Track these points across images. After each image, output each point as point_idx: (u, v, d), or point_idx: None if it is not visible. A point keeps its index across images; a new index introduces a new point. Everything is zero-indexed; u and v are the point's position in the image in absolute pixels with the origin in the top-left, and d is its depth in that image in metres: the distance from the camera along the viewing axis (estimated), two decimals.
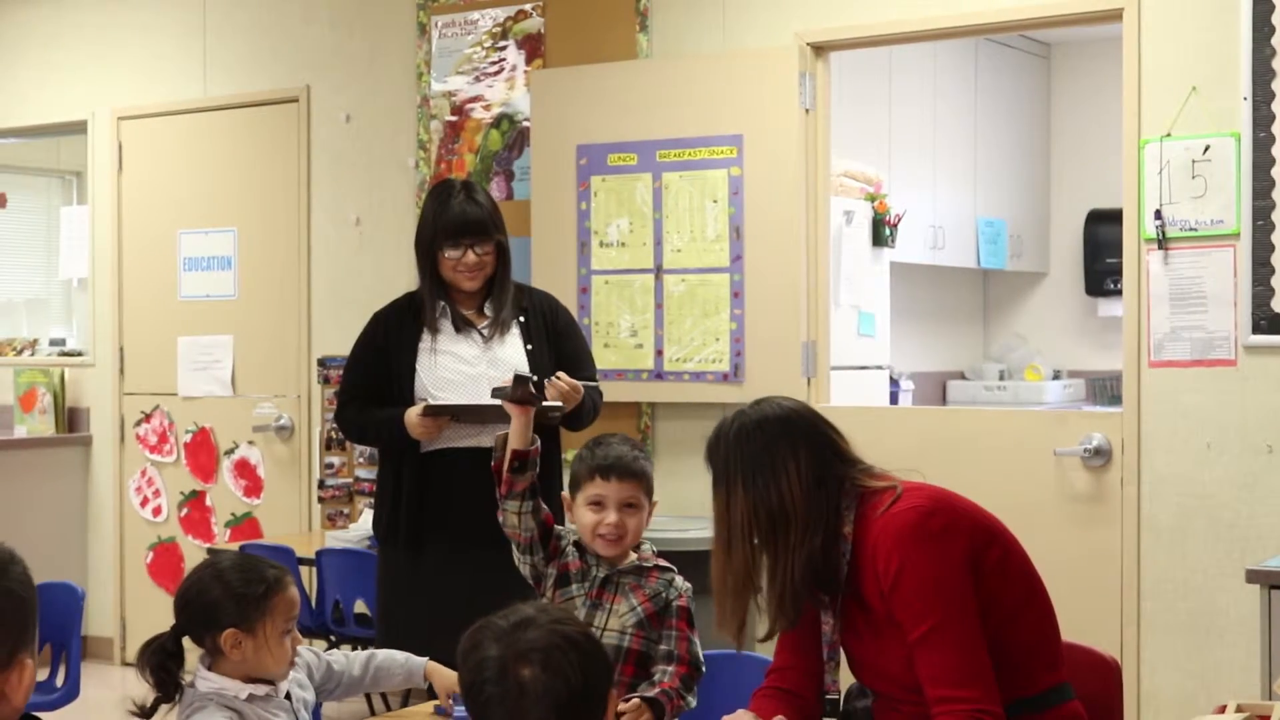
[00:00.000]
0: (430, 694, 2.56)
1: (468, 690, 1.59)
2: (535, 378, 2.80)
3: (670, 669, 2.51)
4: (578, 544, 2.62)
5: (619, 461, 2.58)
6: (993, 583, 2.18)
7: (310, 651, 2.45)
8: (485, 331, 3.41)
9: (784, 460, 2.22)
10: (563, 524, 2.76)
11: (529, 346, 3.42)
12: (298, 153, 5.37)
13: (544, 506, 2.63)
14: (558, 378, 3.24)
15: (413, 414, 3.28)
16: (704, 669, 2.55)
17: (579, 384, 3.27)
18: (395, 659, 2.54)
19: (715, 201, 4.42)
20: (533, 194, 4.74)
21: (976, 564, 2.17)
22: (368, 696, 4.43)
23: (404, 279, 4.91)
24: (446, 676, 2.49)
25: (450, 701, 2.46)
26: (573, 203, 4.63)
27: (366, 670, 2.51)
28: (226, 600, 2.24)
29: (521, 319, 3.45)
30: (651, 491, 2.62)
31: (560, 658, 1.58)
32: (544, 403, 3.10)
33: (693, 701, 2.51)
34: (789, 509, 2.21)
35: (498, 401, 3.19)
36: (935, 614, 2.12)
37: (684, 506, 4.43)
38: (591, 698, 1.60)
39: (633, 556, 2.61)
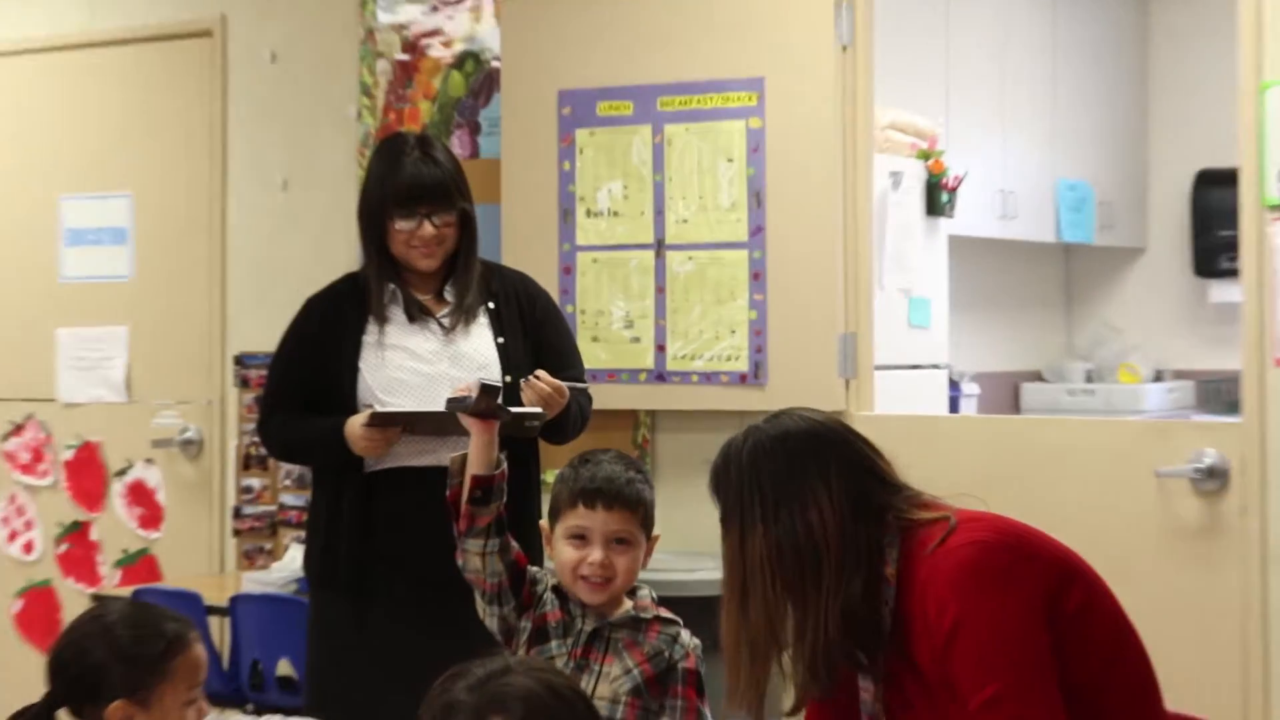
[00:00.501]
0: None
1: None
2: (504, 382, 2.79)
3: None
4: (558, 589, 2.61)
5: (608, 484, 2.58)
6: (1073, 636, 2.18)
7: None
8: (446, 321, 3.41)
9: (813, 486, 2.24)
10: (540, 564, 2.75)
11: (500, 339, 3.42)
12: (210, 100, 5.36)
13: (514, 544, 2.62)
14: (536, 377, 3.24)
15: (355, 424, 3.29)
16: None
17: (563, 385, 3.27)
18: None
19: (730, 161, 4.42)
20: (504, 151, 4.73)
21: (1052, 612, 2.17)
22: None
23: (344, 257, 4.89)
24: None
25: None
26: (553, 162, 4.62)
27: None
28: (114, 663, 2.23)
29: (491, 305, 3.46)
30: (650, 523, 2.62)
31: (542, 710, 1.62)
32: (517, 411, 3.09)
33: None
34: (820, 547, 2.21)
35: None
36: (1000, 677, 2.12)
37: (692, 541, 4.42)
38: None
39: (627, 605, 2.61)
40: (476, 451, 2.64)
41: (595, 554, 2.56)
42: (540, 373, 3.28)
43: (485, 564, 2.59)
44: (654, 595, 2.66)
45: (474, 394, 2.68)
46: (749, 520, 2.25)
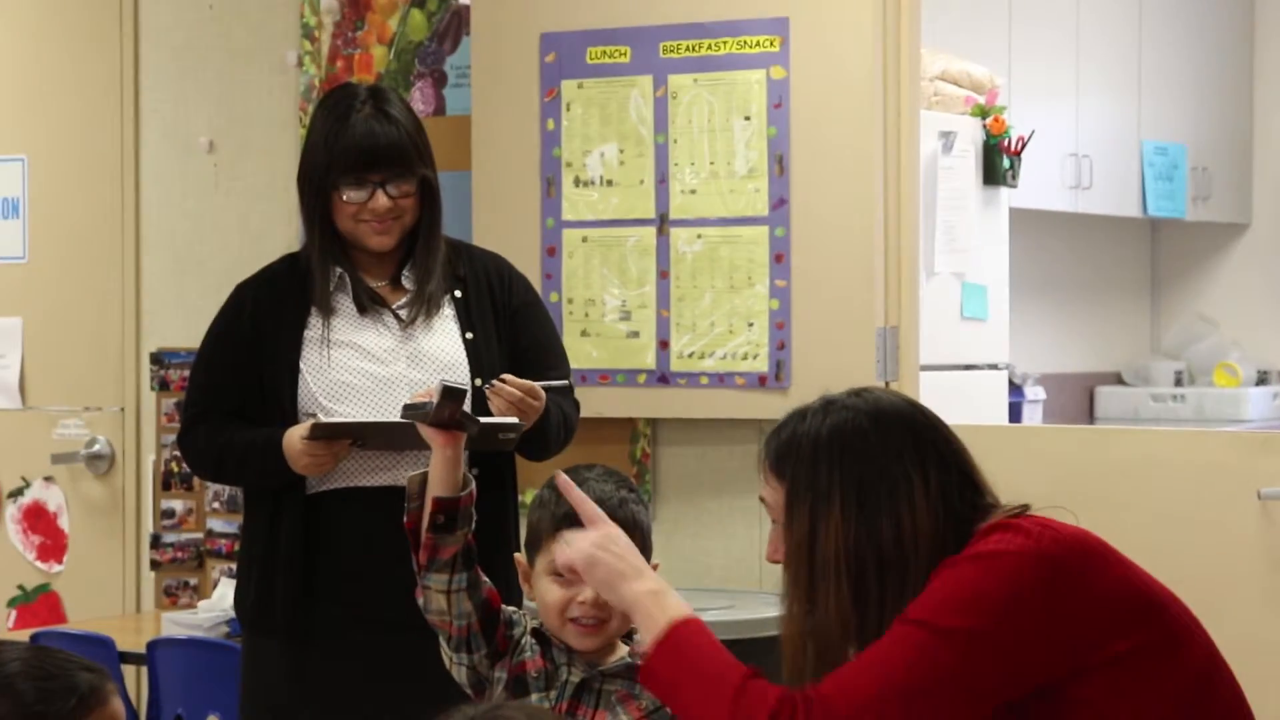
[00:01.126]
0: None
1: None
2: (474, 385, 2.80)
3: None
4: (539, 632, 2.62)
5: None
6: (1135, 682, 2.20)
7: None
8: (403, 313, 3.42)
9: (907, 477, 2.26)
10: (518, 603, 2.76)
11: (469, 335, 3.43)
12: (120, 45, 5.36)
13: (485, 580, 2.63)
14: (502, 381, 3.24)
15: (295, 437, 3.29)
16: None
17: (536, 386, 3.28)
18: None
19: (748, 119, 4.43)
20: (475, 107, 4.74)
21: (1109, 655, 2.19)
22: None
23: (282, 233, 4.90)
24: None
25: None
26: (535, 120, 4.63)
27: None
28: None
29: (457, 294, 3.47)
30: (649, 549, 2.63)
31: None
32: (488, 421, 3.11)
33: None
34: (909, 553, 2.24)
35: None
36: (949, 618, 2.15)
37: (699, 574, 4.43)
38: None
39: (622, 651, 2.62)
40: (439, 469, 2.63)
41: (586, 592, 2.55)
42: (507, 376, 3.28)
43: (451, 604, 2.60)
44: None
45: (435, 399, 2.68)
46: (822, 507, 2.26)
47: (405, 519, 2.64)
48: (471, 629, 2.60)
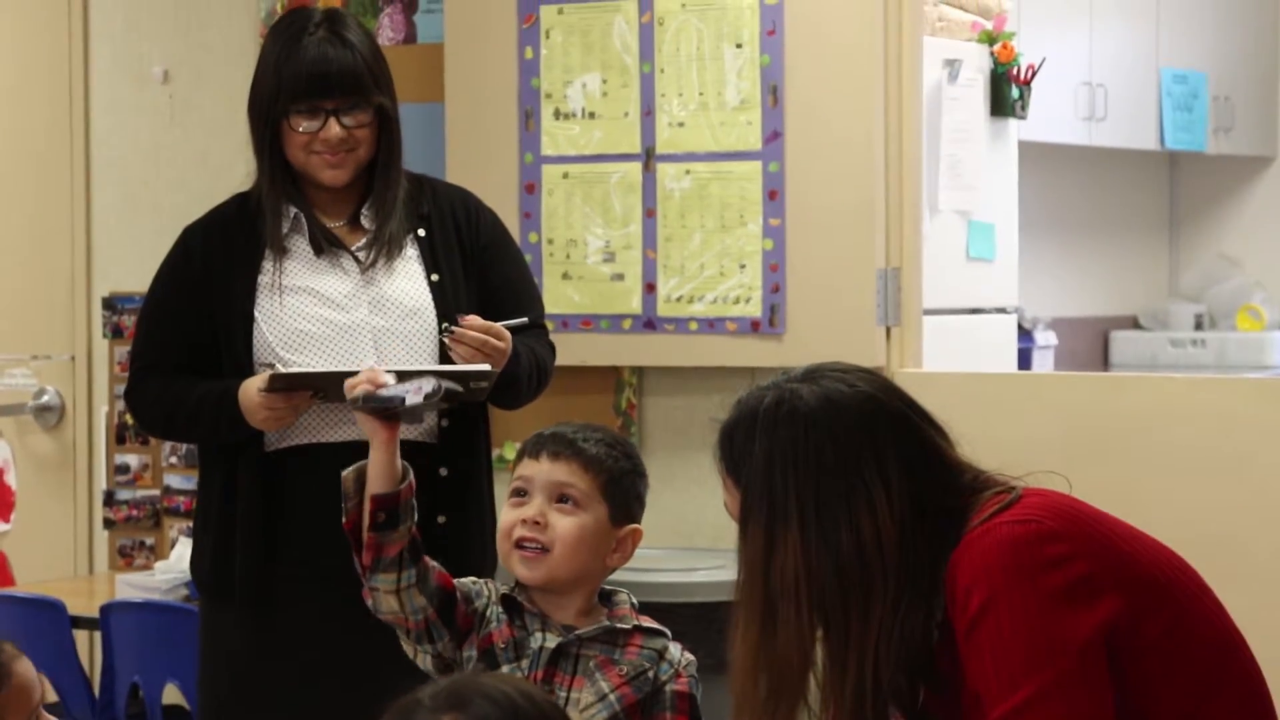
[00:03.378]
0: None
1: None
2: (442, 329, 2.78)
3: None
4: (508, 599, 2.62)
5: (560, 433, 2.62)
6: (1150, 674, 2.19)
7: None
8: (363, 255, 3.41)
9: (867, 481, 2.23)
10: (491, 564, 2.76)
11: (434, 277, 3.42)
12: None
13: (434, 565, 2.62)
14: (462, 322, 3.23)
15: (252, 389, 3.29)
16: None
17: (497, 326, 3.27)
18: None
19: (739, 46, 4.42)
20: (447, 35, 4.73)
21: (1120, 641, 2.18)
22: None
23: (241, 169, 4.82)
24: None
25: None
26: (512, 48, 4.62)
27: None
28: None
29: (421, 232, 3.45)
30: (626, 510, 2.64)
31: (509, 711, 1.74)
32: (460, 370, 3.10)
33: None
34: (873, 566, 2.21)
35: (390, 368, 3.19)
36: (1030, 682, 2.13)
37: (688, 532, 4.44)
38: None
39: (600, 615, 2.63)
40: (378, 465, 2.63)
41: (530, 508, 2.59)
42: (466, 318, 3.26)
43: (403, 602, 2.60)
44: (633, 601, 2.67)
45: (410, 394, 2.66)
46: (779, 522, 2.23)
47: (344, 519, 2.64)
48: (429, 620, 2.61)
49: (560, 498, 2.60)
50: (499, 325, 3.28)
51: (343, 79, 3.34)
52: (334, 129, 3.35)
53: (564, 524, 2.59)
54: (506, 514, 2.61)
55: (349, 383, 2.87)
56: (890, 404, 2.30)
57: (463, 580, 2.66)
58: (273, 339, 3.37)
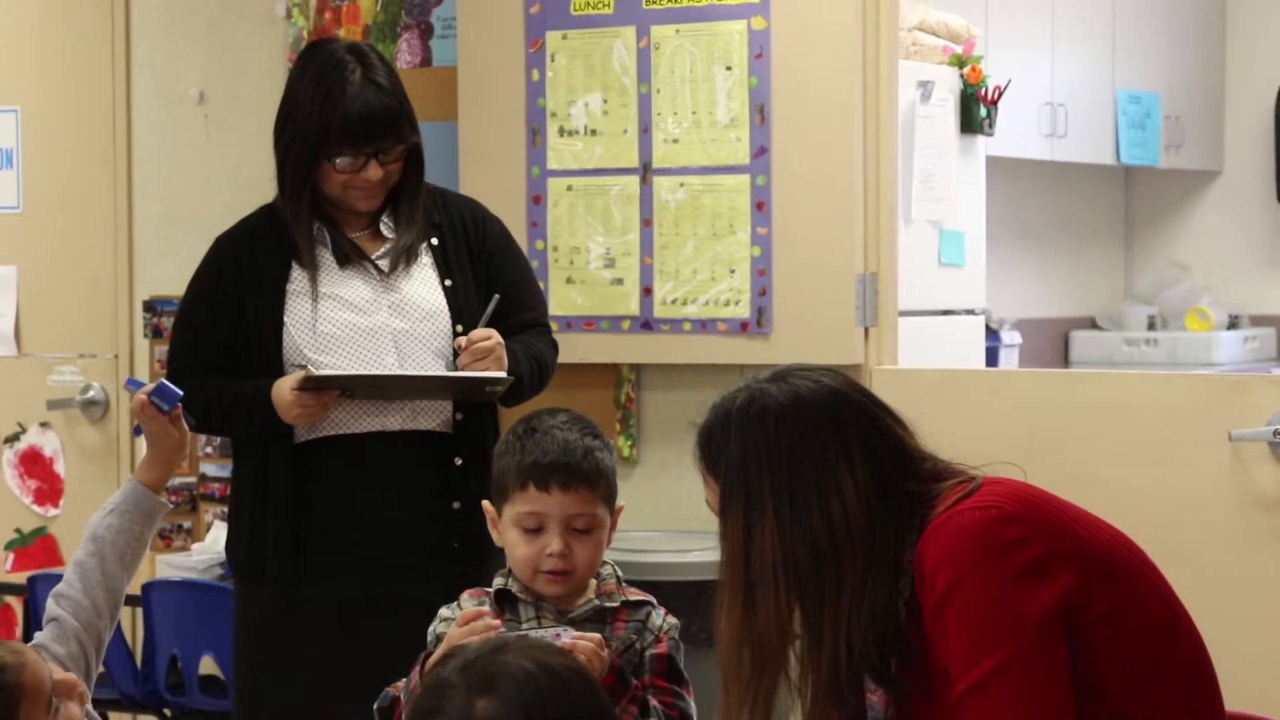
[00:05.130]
0: None
1: (414, 714, 1.79)
2: (455, 331, 2.77)
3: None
4: (504, 593, 2.60)
5: (562, 460, 2.56)
6: (1100, 646, 2.20)
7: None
8: (383, 263, 3.41)
9: (834, 469, 2.23)
10: (490, 549, 2.75)
11: (448, 282, 3.42)
12: None
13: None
14: (467, 339, 3.27)
15: (285, 388, 3.29)
16: None
17: (478, 330, 3.29)
18: (104, 516, 2.71)
19: (729, 69, 4.41)
20: (461, 59, 4.72)
21: (1073, 615, 2.18)
22: None
23: (272, 184, 4.87)
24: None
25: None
26: (520, 71, 4.61)
27: (89, 575, 2.62)
28: None
29: (434, 241, 3.45)
30: (614, 496, 2.62)
31: (535, 692, 1.74)
32: (474, 375, 3.13)
33: None
34: (842, 545, 2.21)
35: (411, 371, 3.20)
36: (991, 656, 2.14)
37: (680, 517, 4.44)
38: None
39: (589, 592, 2.62)
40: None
41: (554, 544, 2.55)
42: (469, 335, 3.29)
43: None
44: (619, 574, 2.66)
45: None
46: (756, 508, 2.23)
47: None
48: None
49: (577, 526, 2.57)
50: (477, 330, 3.30)
51: (385, 124, 3.35)
52: (374, 171, 3.36)
53: (586, 550, 2.57)
54: (524, 547, 2.56)
55: None
56: (853, 399, 2.30)
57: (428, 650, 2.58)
58: (301, 342, 3.37)
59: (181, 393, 2.89)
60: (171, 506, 2.78)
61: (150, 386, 2.90)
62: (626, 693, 2.47)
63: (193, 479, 5.24)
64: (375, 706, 2.36)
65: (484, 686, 1.76)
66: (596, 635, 2.44)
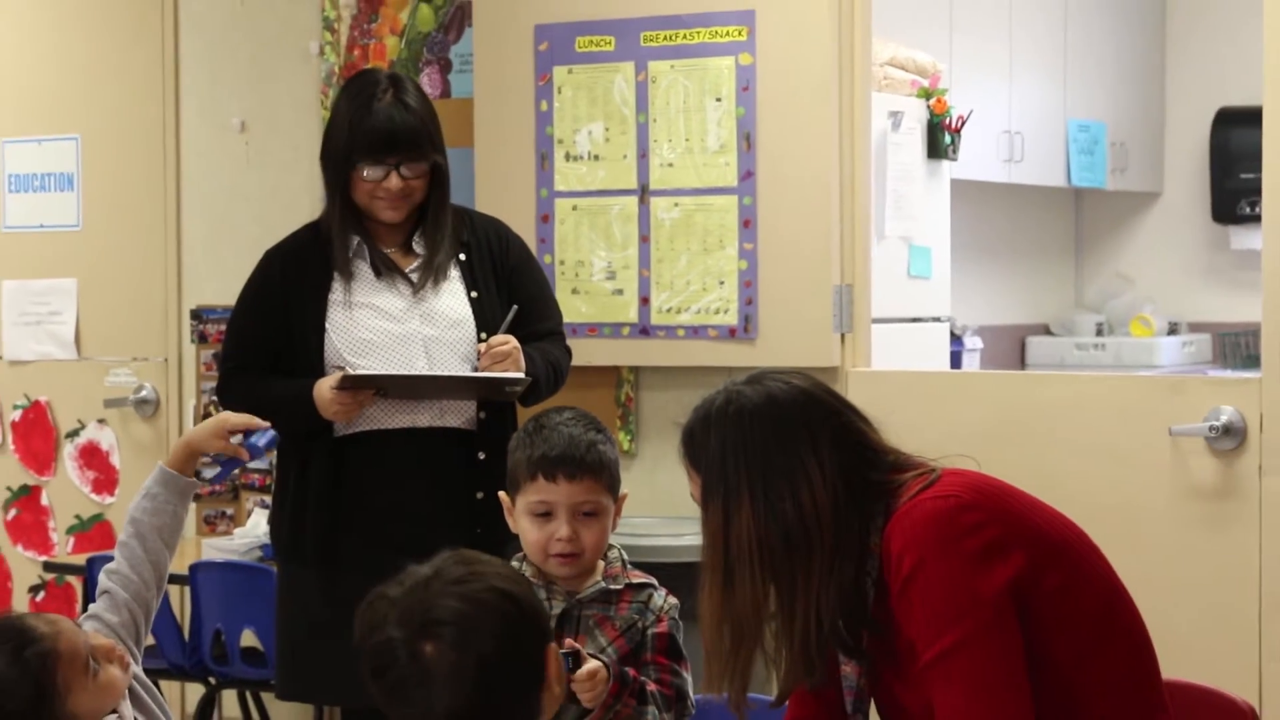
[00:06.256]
0: None
1: (372, 675, 1.86)
2: (480, 338, 2.78)
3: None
4: None
5: (568, 453, 2.56)
6: (1048, 621, 2.20)
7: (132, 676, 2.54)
8: (415, 277, 3.41)
9: (805, 461, 2.23)
10: (507, 534, 2.75)
11: (474, 294, 3.43)
12: (161, 35, 5.33)
13: None
14: (488, 346, 3.28)
15: (325, 387, 3.30)
16: (694, 708, 2.56)
17: (498, 335, 3.29)
18: (140, 500, 2.72)
19: (719, 100, 4.41)
20: (476, 91, 4.72)
21: (1024, 593, 2.18)
22: None
23: (306, 202, 4.88)
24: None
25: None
26: (530, 102, 4.62)
27: (134, 554, 2.66)
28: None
29: (462, 256, 3.46)
30: (617, 485, 2.62)
31: (471, 630, 1.80)
32: (496, 376, 3.14)
33: None
34: (812, 530, 2.21)
35: (439, 372, 3.21)
36: (952, 630, 2.14)
37: (675, 504, 4.43)
38: (518, 664, 1.81)
39: (596, 574, 2.62)
40: None
41: (562, 530, 2.55)
42: (489, 342, 3.30)
43: None
44: (624, 557, 2.66)
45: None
46: (734, 498, 2.23)
47: None
48: None
49: (584, 511, 2.57)
50: (497, 335, 3.31)
51: (407, 140, 3.35)
52: (395, 180, 3.36)
53: (592, 534, 2.58)
54: (535, 532, 2.57)
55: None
56: (821, 399, 2.30)
57: None
58: (341, 346, 3.38)
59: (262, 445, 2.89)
60: (200, 485, 2.79)
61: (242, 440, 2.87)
62: (625, 689, 2.46)
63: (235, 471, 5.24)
64: None
65: (424, 633, 1.81)
66: (595, 664, 2.43)
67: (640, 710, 2.49)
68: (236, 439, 2.81)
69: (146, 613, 2.70)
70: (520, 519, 2.61)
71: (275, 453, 3.54)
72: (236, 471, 2.85)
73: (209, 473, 2.86)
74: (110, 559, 4.65)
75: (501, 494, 2.69)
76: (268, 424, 2.84)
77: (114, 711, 2.48)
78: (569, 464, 2.56)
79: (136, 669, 2.60)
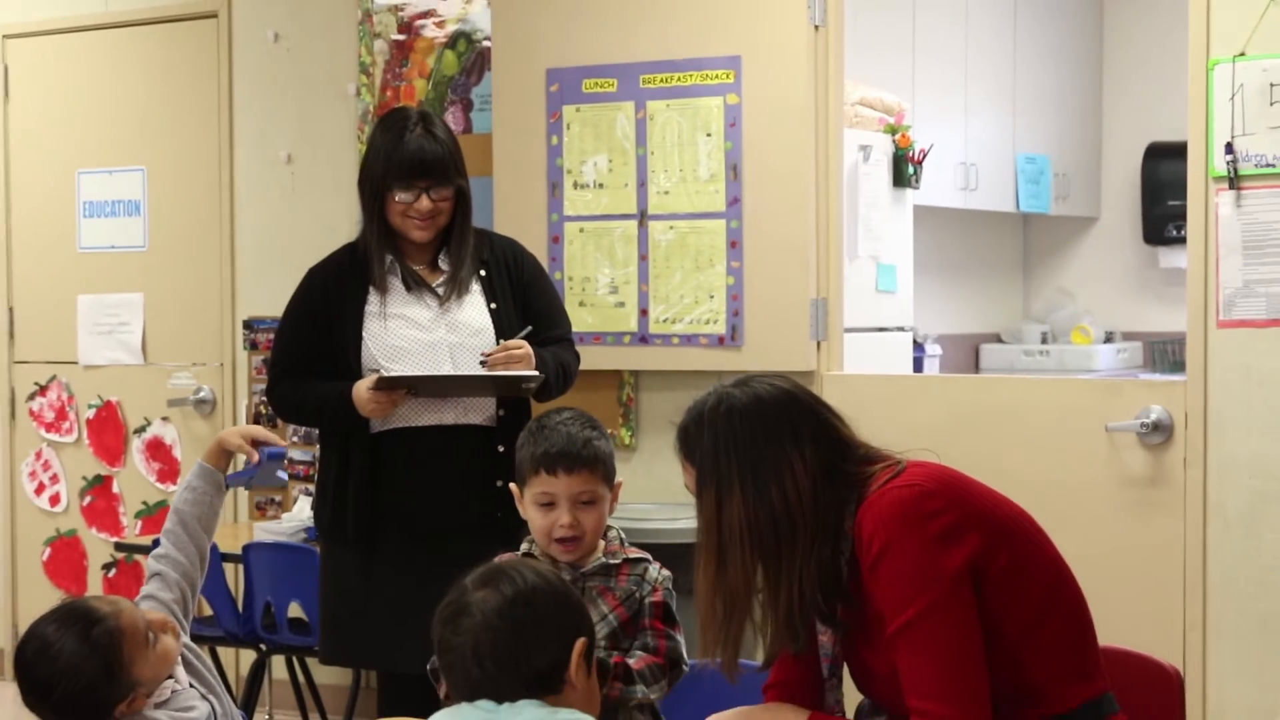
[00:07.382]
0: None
1: (439, 623, 2.00)
2: (498, 344, 2.78)
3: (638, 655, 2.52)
4: (526, 556, 2.60)
5: (566, 450, 2.56)
6: (999, 595, 2.20)
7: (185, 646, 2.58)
8: (441, 291, 3.41)
9: (788, 454, 2.22)
10: (518, 521, 2.75)
11: (493, 306, 3.43)
12: (217, 78, 5.34)
13: None
14: (486, 354, 3.29)
15: (363, 388, 3.30)
16: (686, 667, 2.56)
17: (515, 340, 3.30)
18: (182, 493, 2.75)
19: (709, 135, 4.42)
20: (495, 127, 4.73)
21: (979, 570, 2.19)
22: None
23: (345, 225, 4.89)
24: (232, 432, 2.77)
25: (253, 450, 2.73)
26: (542, 137, 4.62)
27: (180, 539, 2.70)
28: (86, 696, 2.33)
29: (483, 273, 3.46)
30: (612, 475, 2.62)
31: (524, 587, 1.95)
32: (514, 374, 3.14)
33: (653, 694, 2.50)
34: (795, 515, 2.21)
35: (463, 372, 3.20)
36: (916, 603, 2.14)
37: (671, 492, 4.44)
38: (549, 630, 1.95)
39: (598, 552, 2.62)
40: None
41: (564, 517, 2.55)
42: (493, 351, 3.31)
43: None
44: (622, 536, 2.65)
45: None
46: (726, 487, 2.23)
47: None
48: None
49: (583, 501, 2.57)
50: (514, 339, 3.32)
51: (435, 167, 3.36)
52: (424, 202, 3.37)
53: (591, 520, 2.58)
54: (540, 520, 2.57)
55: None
56: (802, 399, 2.30)
57: None
58: (376, 353, 3.38)
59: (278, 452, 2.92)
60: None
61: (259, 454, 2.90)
62: (609, 673, 2.45)
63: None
64: (428, 668, 2.36)
65: (487, 582, 1.95)
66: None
67: (629, 691, 2.49)
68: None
69: (193, 588, 2.74)
70: (528, 508, 2.61)
71: (319, 446, 3.55)
72: (262, 471, 2.88)
73: (236, 479, 2.90)
74: None
75: (512, 485, 2.69)
76: (281, 441, 2.92)
77: (170, 676, 2.49)
78: (567, 459, 2.56)
79: (186, 638, 2.61)
